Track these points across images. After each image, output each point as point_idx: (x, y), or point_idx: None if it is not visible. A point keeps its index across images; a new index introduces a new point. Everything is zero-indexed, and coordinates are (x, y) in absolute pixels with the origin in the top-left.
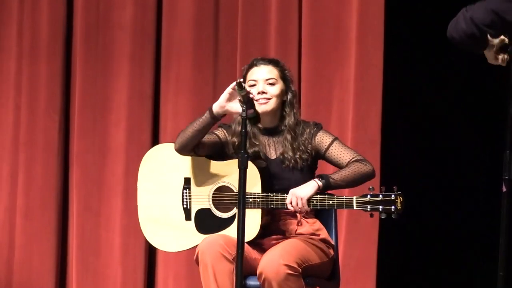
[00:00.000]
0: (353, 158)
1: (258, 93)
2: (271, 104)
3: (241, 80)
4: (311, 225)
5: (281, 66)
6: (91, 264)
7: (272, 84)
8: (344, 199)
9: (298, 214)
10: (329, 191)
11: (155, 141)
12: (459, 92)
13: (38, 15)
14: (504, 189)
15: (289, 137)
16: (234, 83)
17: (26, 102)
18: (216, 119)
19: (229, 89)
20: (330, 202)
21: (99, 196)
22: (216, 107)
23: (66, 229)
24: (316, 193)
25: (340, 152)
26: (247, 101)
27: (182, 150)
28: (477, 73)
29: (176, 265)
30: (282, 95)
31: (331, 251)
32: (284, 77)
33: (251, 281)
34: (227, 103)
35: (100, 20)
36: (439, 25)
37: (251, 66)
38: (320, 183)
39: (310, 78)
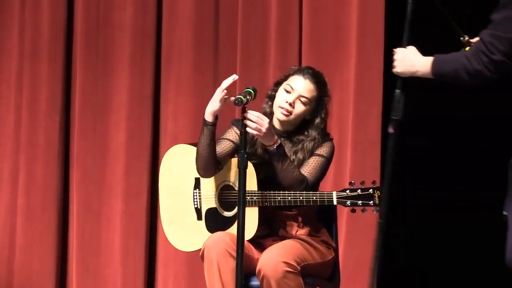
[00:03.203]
0: (306, 174)
1: (286, 101)
2: (289, 119)
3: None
4: (312, 227)
5: (323, 91)
6: (91, 264)
7: (303, 104)
8: (325, 195)
9: (299, 217)
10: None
11: (155, 142)
12: (459, 93)
13: (39, 16)
14: (391, 131)
15: (301, 156)
16: (221, 93)
17: (26, 103)
18: (215, 124)
19: (219, 97)
20: (314, 198)
21: (99, 196)
22: (209, 118)
23: (67, 230)
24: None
25: (310, 165)
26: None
27: (207, 172)
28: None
29: (176, 265)
30: (304, 115)
31: (331, 252)
32: (319, 101)
33: (255, 281)
34: (219, 109)
35: (101, 21)
36: (439, 25)
37: (299, 72)
38: (277, 144)
39: None
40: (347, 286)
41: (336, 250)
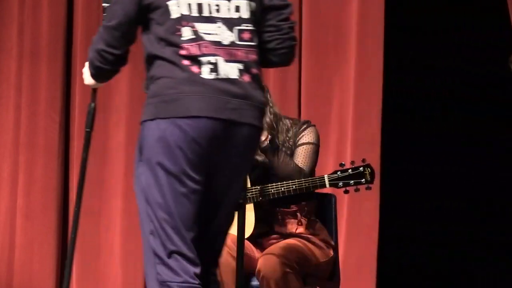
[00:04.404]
0: (300, 165)
1: None
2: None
3: None
4: (311, 225)
5: None
6: (91, 264)
7: None
8: (318, 180)
9: (298, 214)
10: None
11: None
12: (459, 92)
13: (39, 16)
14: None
15: (288, 152)
16: None
17: (26, 103)
18: None
19: None
20: (306, 184)
21: (100, 196)
22: None
23: (67, 230)
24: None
25: (301, 155)
26: None
27: None
28: (477, 72)
29: None
30: None
31: (331, 252)
32: None
33: (255, 281)
34: None
35: (101, 21)
36: (439, 25)
37: None
38: (269, 139)
39: (310, 79)
40: (347, 285)
41: (336, 249)
